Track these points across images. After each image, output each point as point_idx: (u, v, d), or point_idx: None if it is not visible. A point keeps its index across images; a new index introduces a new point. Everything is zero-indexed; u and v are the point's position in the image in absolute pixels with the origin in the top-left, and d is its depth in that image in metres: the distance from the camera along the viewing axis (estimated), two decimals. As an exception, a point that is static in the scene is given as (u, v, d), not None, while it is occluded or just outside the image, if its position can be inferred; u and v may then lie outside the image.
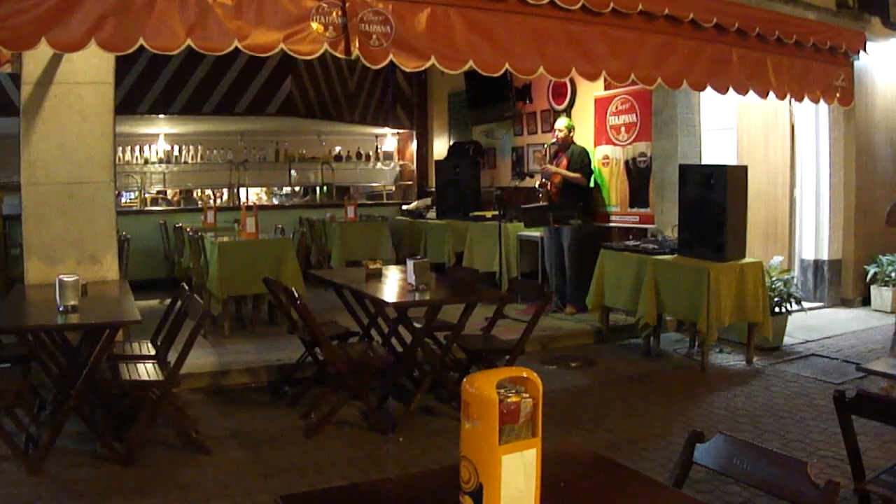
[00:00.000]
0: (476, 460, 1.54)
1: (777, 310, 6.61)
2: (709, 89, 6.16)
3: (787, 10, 7.13)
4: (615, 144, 8.16)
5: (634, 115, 7.89)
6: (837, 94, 7.18)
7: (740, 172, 6.45)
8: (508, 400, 1.54)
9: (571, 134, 7.97)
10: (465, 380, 1.57)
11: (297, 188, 12.66)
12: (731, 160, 7.92)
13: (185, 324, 4.74)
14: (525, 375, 1.59)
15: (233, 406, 5.34)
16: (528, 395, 1.57)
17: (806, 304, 7.27)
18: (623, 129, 8.04)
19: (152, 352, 4.86)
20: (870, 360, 5.72)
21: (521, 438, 1.56)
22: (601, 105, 8.32)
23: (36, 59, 5.20)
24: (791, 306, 6.73)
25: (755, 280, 6.18)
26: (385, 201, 12.49)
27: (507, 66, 5.11)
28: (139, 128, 10.83)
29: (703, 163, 7.39)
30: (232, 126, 11.20)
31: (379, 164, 12.68)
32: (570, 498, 1.85)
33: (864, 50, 7.41)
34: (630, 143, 7.97)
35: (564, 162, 7.86)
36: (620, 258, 6.72)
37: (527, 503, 1.59)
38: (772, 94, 6.53)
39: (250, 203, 11.23)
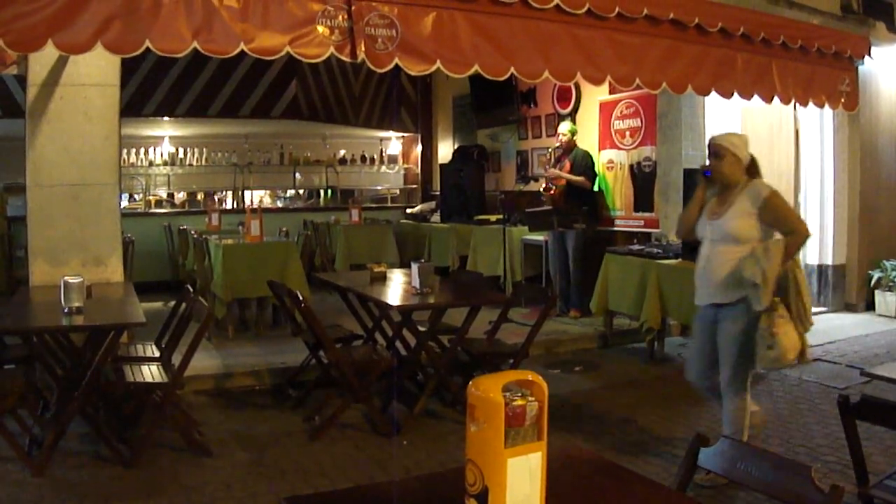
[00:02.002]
0: (482, 463, 1.55)
1: (781, 315, 6.59)
2: (713, 94, 6.15)
3: (791, 15, 7.13)
4: (620, 149, 8.16)
5: (639, 119, 7.90)
6: (842, 99, 7.17)
7: (745, 177, 6.43)
8: (514, 403, 1.54)
9: (574, 138, 7.97)
10: (470, 383, 1.57)
11: (301, 191, 12.68)
12: (735, 165, 7.90)
13: (190, 326, 4.76)
14: (531, 379, 1.59)
15: (237, 408, 5.35)
16: (533, 399, 1.57)
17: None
18: (628, 133, 8.04)
19: (156, 354, 4.87)
20: (874, 365, 5.70)
21: (527, 442, 1.57)
22: (606, 109, 8.33)
23: (42, 60, 5.22)
24: (795, 311, 6.71)
25: (759, 285, 6.16)
26: (389, 205, 12.51)
27: (512, 69, 5.12)
28: (144, 130, 10.86)
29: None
30: (237, 129, 11.24)
31: (383, 168, 12.69)
32: (574, 501, 1.85)
33: (869, 55, 7.40)
34: (635, 148, 7.97)
35: (567, 166, 7.86)
36: (625, 262, 6.72)
37: (532, 506, 1.60)
38: (776, 99, 6.52)
39: (255, 206, 11.25)
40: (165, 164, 11.33)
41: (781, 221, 3.87)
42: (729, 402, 3.98)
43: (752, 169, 4.02)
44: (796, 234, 3.84)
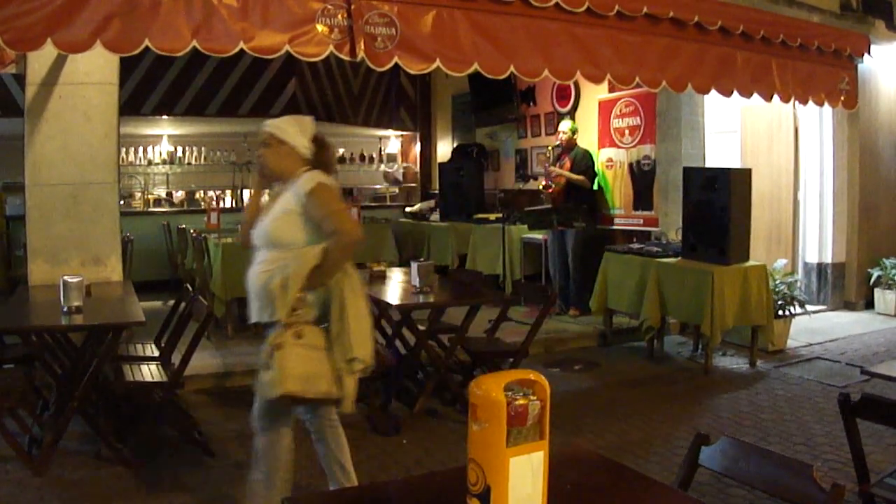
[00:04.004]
0: (484, 463, 1.54)
1: (781, 313, 6.60)
2: (713, 92, 6.16)
3: (791, 13, 7.13)
4: (619, 147, 8.15)
5: (638, 117, 7.89)
6: (842, 97, 7.18)
7: (744, 175, 6.44)
8: (516, 402, 1.54)
9: (575, 136, 7.96)
10: (472, 382, 1.57)
11: (300, 190, 12.64)
12: (735, 163, 7.91)
13: (189, 325, 4.75)
14: (533, 378, 1.59)
15: (236, 408, 5.33)
16: (535, 398, 1.57)
17: (809, 308, 7.26)
18: (627, 131, 8.04)
19: (156, 353, 4.86)
20: (874, 363, 5.71)
21: (529, 441, 1.56)
22: (605, 108, 8.32)
23: (41, 59, 5.21)
24: (794, 309, 6.72)
25: (759, 283, 6.17)
26: (388, 203, 12.49)
27: (511, 68, 5.12)
28: (143, 129, 10.83)
29: (707, 166, 7.38)
30: (235, 128, 11.19)
31: (382, 167, 12.68)
32: (575, 500, 1.85)
33: (868, 53, 7.41)
34: (634, 146, 7.96)
35: (568, 164, 7.85)
36: (624, 261, 6.72)
37: (534, 506, 1.59)
38: (776, 97, 6.53)
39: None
40: (164, 162, 11.30)
41: (324, 219, 3.13)
42: (259, 436, 3.48)
43: (321, 161, 3.30)
44: (339, 234, 3.09)
